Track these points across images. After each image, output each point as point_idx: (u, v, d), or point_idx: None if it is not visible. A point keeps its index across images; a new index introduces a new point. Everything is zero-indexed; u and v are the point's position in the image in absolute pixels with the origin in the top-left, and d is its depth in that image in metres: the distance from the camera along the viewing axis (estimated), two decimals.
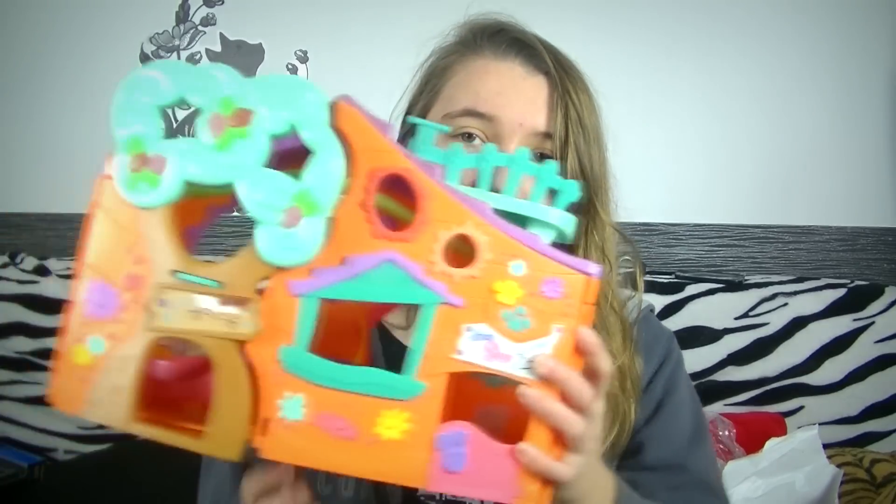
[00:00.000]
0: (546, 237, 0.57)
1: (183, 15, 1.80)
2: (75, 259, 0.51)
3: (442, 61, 0.75)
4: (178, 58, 1.80)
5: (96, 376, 0.49)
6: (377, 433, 0.48)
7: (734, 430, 1.45)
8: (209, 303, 0.48)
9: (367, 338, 0.61)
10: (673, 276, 1.70)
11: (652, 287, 1.60)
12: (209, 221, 0.58)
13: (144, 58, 1.80)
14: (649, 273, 1.68)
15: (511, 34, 0.72)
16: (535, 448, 0.49)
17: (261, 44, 1.80)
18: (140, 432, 0.50)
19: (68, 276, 1.59)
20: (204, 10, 1.80)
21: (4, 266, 1.61)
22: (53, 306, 1.57)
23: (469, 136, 0.69)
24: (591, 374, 0.50)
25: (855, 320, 1.61)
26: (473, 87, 0.70)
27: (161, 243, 0.48)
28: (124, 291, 0.49)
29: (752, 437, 1.43)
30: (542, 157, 0.69)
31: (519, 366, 0.48)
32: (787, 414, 1.58)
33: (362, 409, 0.49)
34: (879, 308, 1.62)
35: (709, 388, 1.54)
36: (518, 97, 0.69)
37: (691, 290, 1.63)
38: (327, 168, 0.46)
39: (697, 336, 1.59)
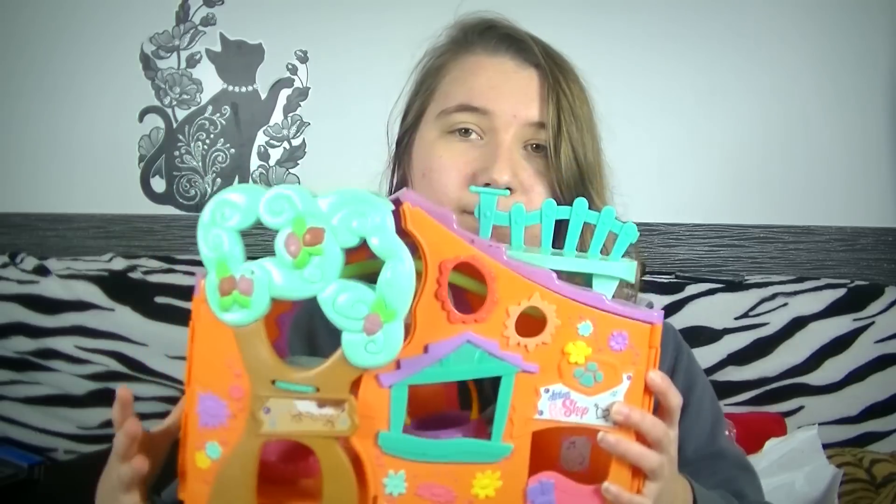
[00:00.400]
0: (609, 288, 0.59)
1: (183, 15, 1.80)
2: (185, 377, 0.56)
3: (435, 61, 0.77)
4: (179, 58, 1.80)
5: (216, 477, 0.54)
6: (474, 494, 0.55)
7: (734, 430, 1.45)
8: (308, 406, 0.53)
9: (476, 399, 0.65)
10: (673, 276, 1.70)
11: (652, 287, 1.60)
12: (298, 306, 0.64)
13: (144, 58, 1.80)
14: (649, 273, 1.68)
15: (501, 30, 0.74)
16: (617, 486, 0.55)
17: (261, 44, 1.80)
18: None
19: (68, 276, 1.59)
20: (204, 10, 1.80)
21: (4, 266, 1.61)
22: (53, 306, 1.57)
23: (465, 132, 0.71)
24: (662, 410, 0.57)
25: (855, 320, 1.61)
26: (467, 83, 0.71)
27: (258, 356, 0.53)
28: (231, 401, 0.54)
29: (752, 437, 1.42)
30: (536, 147, 0.71)
31: (596, 416, 0.55)
32: (787, 414, 1.58)
33: (458, 475, 0.55)
34: (879, 308, 1.63)
35: None
36: (511, 90, 0.70)
37: (691, 290, 1.63)
38: (398, 275, 0.50)
39: (697, 336, 1.59)
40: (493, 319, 0.53)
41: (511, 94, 0.70)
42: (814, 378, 1.60)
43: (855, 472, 1.32)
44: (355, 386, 0.53)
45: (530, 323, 0.55)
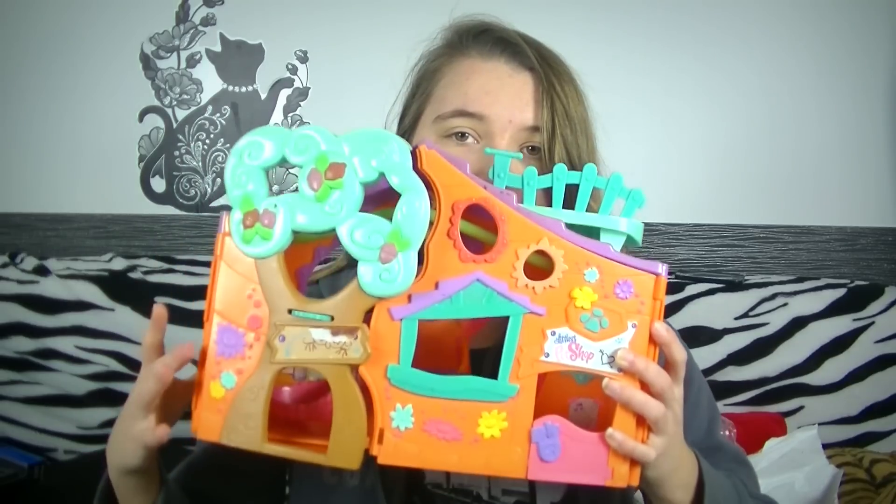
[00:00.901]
0: (617, 244, 0.61)
1: (183, 15, 1.80)
2: (205, 305, 0.58)
3: (431, 64, 0.77)
4: (179, 58, 1.80)
5: (230, 407, 0.55)
6: (479, 433, 0.56)
7: (735, 430, 1.45)
8: (322, 335, 0.54)
9: (468, 354, 0.67)
10: (673, 276, 1.70)
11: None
12: (318, 261, 0.67)
13: (144, 58, 1.80)
14: None
15: (495, 34, 0.74)
16: (621, 433, 0.56)
17: (261, 44, 1.80)
18: (272, 451, 0.55)
19: (68, 276, 1.59)
20: (204, 10, 1.80)
21: (4, 266, 1.61)
22: (53, 306, 1.57)
23: (462, 136, 0.71)
24: (666, 363, 0.58)
25: (855, 320, 1.61)
26: (462, 87, 0.72)
27: (277, 287, 0.55)
28: (248, 331, 0.56)
29: (752, 437, 1.42)
30: (532, 149, 0.72)
31: (601, 361, 0.56)
32: (787, 414, 1.58)
33: (464, 413, 0.56)
34: (879, 308, 1.62)
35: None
36: (505, 94, 0.71)
37: (691, 290, 1.63)
38: (413, 208, 0.53)
39: (697, 336, 1.59)
40: (502, 261, 0.55)
41: (506, 98, 0.71)
42: (814, 378, 1.60)
43: (855, 472, 1.32)
44: (368, 318, 0.55)
45: (539, 273, 0.56)
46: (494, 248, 0.55)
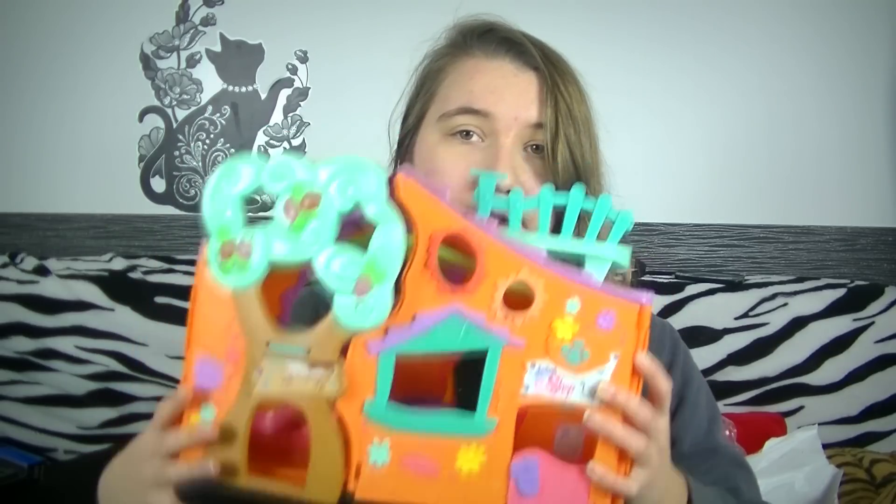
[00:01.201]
0: (602, 270, 0.60)
1: (183, 15, 1.80)
2: (185, 339, 0.57)
3: (435, 64, 0.77)
4: (179, 58, 1.80)
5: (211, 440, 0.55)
6: (458, 468, 0.54)
7: (735, 430, 1.45)
8: (299, 368, 0.54)
9: (453, 376, 0.65)
10: (673, 276, 1.70)
11: (652, 287, 1.60)
12: (303, 283, 0.65)
13: (144, 58, 1.80)
14: (649, 273, 1.68)
15: (500, 33, 0.74)
16: (602, 466, 0.54)
17: (261, 44, 1.80)
18: (253, 485, 0.55)
19: (68, 276, 1.59)
20: (204, 10, 1.80)
21: (4, 266, 1.61)
22: (53, 306, 1.57)
23: (467, 134, 0.72)
24: (651, 395, 0.57)
25: (855, 320, 1.61)
26: (467, 86, 0.72)
27: (254, 318, 0.54)
28: (227, 364, 0.55)
29: (752, 437, 1.42)
30: (536, 148, 0.72)
31: (582, 394, 0.55)
32: (787, 414, 1.58)
33: (442, 447, 0.54)
34: (879, 308, 1.63)
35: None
36: (510, 92, 0.71)
37: (691, 290, 1.63)
38: (389, 239, 0.52)
39: (697, 336, 1.59)
40: (481, 292, 0.54)
41: (511, 96, 0.71)
42: (814, 378, 1.60)
43: (855, 472, 1.32)
44: (345, 352, 0.54)
45: (519, 303, 0.55)
46: (473, 280, 0.54)
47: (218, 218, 0.55)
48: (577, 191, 0.61)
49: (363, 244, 0.54)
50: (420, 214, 0.54)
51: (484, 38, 0.75)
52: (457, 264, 0.57)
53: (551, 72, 0.71)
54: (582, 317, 0.54)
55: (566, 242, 0.59)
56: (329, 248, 0.53)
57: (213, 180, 0.55)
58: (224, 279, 0.55)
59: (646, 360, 0.55)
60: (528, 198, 0.61)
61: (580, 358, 0.54)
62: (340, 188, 0.53)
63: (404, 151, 0.78)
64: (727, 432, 1.43)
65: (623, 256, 0.60)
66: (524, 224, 0.65)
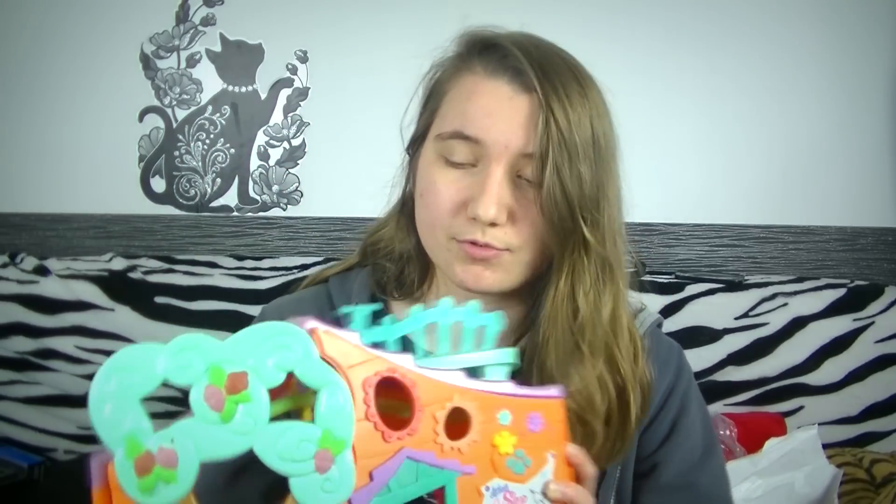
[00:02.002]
0: (504, 374, 0.60)
1: (183, 15, 1.80)
2: None
3: (439, 75, 0.76)
4: (178, 58, 1.80)
5: None
6: None
7: (735, 430, 1.45)
8: None
9: None
10: (673, 276, 1.70)
11: (652, 287, 1.60)
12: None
13: (144, 58, 1.80)
14: (649, 273, 1.68)
15: (501, 51, 0.70)
16: None
17: (261, 44, 1.80)
18: None
19: (68, 276, 1.59)
20: (204, 10, 1.80)
21: (4, 266, 1.61)
22: (53, 306, 1.57)
23: (458, 162, 0.70)
24: (580, 478, 0.61)
25: (855, 320, 1.61)
26: (462, 107, 0.70)
27: None
28: None
29: (752, 437, 1.42)
30: (520, 178, 0.69)
31: (534, 501, 0.57)
32: (787, 414, 1.58)
33: None
34: (879, 308, 1.63)
35: (709, 388, 1.54)
36: (503, 119, 0.68)
37: (691, 290, 1.63)
38: (337, 403, 0.48)
39: (697, 336, 1.59)
40: (423, 429, 0.53)
41: (503, 122, 0.68)
42: (814, 378, 1.60)
43: (855, 472, 1.32)
44: None
45: (453, 427, 0.55)
46: (413, 419, 0.52)
47: (117, 429, 0.44)
48: (445, 303, 0.59)
49: (297, 403, 0.50)
50: (348, 366, 0.50)
51: (485, 54, 0.71)
52: (389, 411, 0.54)
53: (548, 95, 0.67)
54: (515, 426, 0.56)
55: (467, 359, 0.59)
56: (268, 429, 0.46)
57: (96, 388, 0.46)
58: (150, 500, 0.44)
59: (575, 451, 0.60)
60: (402, 321, 0.58)
61: (524, 466, 0.56)
62: (263, 360, 0.46)
63: (413, 159, 0.77)
64: (727, 432, 1.43)
65: (507, 356, 0.60)
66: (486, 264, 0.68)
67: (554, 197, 0.66)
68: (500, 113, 0.68)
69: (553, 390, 0.59)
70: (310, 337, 0.49)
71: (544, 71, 0.68)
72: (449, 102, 0.72)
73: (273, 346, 0.47)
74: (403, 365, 0.53)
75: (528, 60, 0.68)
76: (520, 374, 0.73)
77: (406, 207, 0.79)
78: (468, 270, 0.70)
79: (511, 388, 0.57)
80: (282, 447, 0.46)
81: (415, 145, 0.77)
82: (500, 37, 0.72)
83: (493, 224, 0.68)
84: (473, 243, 0.68)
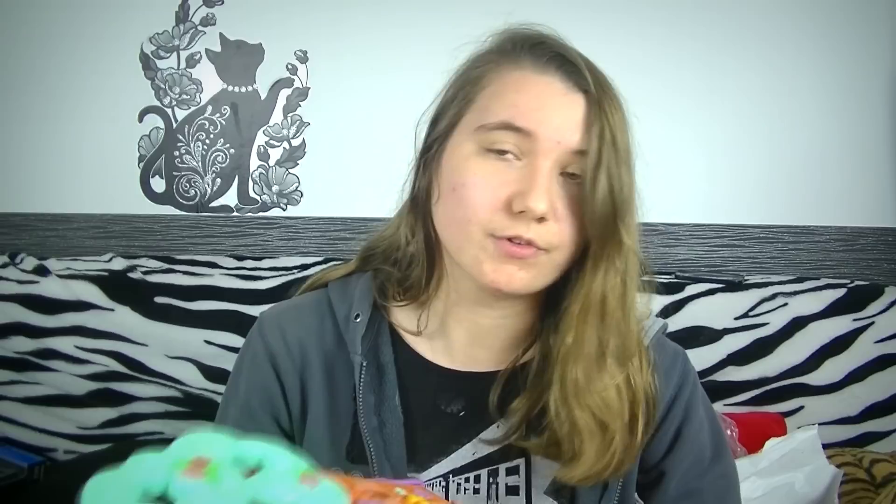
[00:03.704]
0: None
1: (183, 15, 1.80)
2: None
3: (476, 70, 0.73)
4: (178, 58, 1.80)
5: None
6: None
7: (736, 430, 1.45)
8: None
9: None
10: (673, 276, 1.70)
11: (652, 287, 1.60)
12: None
13: (144, 58, 1.80)
14: (649, 273, 1.68)
15: (552, 48, 0.70)
16: None
17: (261, 44, 1.80)
18: None
19: (68, 276, 1.59)
20: (204, 10, 1.80)
21: (4, 266, 1.61)
22: (53, 306, 1.57)
23: (502, 151, 0.68)
24: None
25: (855, 320, 1.61)
26: (510, 99, 0.68)
27: None
28: None
29: (752, 437, 1.42)
30: (571, 175, 0.68)
31: None
32: (787, 414, 1.58)
33: None
34: (879, 308, 1.63)
35: (709, 388, 1.52)
36: (557, 113, 0.67)
37: (691, 290, 1.63)
38: None
39: (697, 336, 1.59)
40: None
41: (557, 117, 0.67)
42: (814, 378, 1.60)
43: (855, 472, 1.32)
44: None
45: None
46: None
47: None
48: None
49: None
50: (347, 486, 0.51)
51: (535, 50, 0.70)
52: None
53: (601, 97, 0.67)
54: (414, 494, 0.56)
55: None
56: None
57: None
58: None
59: None
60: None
61: None
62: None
63: (431, 157, 0.74)
64: (729, 432, 1.43)
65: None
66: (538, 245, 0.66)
67: (605, 197, 0.66)
68: (553, 107, 0.67)
69: (415, 480, 0.61)
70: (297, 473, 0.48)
71: (594, 74, 0.69)
72: (491, 96, 0.69)
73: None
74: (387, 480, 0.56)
75: (583, 61, 0.69)
76: (523, 393, 0.73)
77: (417, 206, 0.76)
78: (501, 270, 0.67)
79: (384, 480, 0.58)
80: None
81: (437, 141, 0.73)
82: (548, 36, 0.72)
83: (540, 220, 0.66)
84: (512, 240, 0.66)
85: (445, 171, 0.71)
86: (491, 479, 0.74)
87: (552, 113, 0.67)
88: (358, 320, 0.75)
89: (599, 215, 0.67)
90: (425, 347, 0.77)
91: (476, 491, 0.74)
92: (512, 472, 0.75)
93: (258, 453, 0.47)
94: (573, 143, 0.67)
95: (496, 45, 0.73)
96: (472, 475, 0.74)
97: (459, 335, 0.76)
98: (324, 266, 1.64)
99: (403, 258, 0.77)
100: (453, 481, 0.74)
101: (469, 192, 0.68)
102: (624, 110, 0.70)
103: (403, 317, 0.78)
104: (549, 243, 0.67)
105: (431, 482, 0.73)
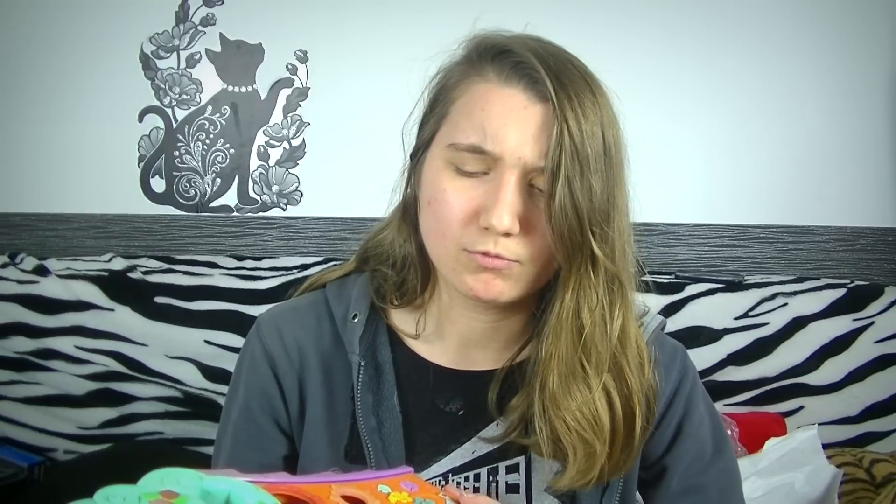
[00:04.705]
0: None
1: (183, 15, 1.80)
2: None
3: (448, 81, 0.73)
4: (178, 58, 1.80)
5: None
6: None
7: (737, 430, 1.45)
8: None
9: None
10: (673, 276, 1.70)
11: (652, 287, 1.60)
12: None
13: (144, 58, 1.80)
14: (649, 273, 1.68)
15: (514, 57, 0.68)
16: None
17: (261, 44, 1.80)
18: None
19: (68, 276, 1.59)
20: (204, 10, 1.80)
21: (4, 266, 1.61)
22: (53, 306, 1.57)
23: (471, 173, 0.68)
24: None
25: (855, 320, 1.61)
26: (478, 118, 0.68)
27: None
28: None
29: (752, 437, 1.42)
30: (541, 189, 0.67)
31: None
32: (787, 414, 1.58)
33: None
34: (879, 308, 1.63)
35: (709, 388, 1.51)
36: (517, 129, 0.66)
37: (691, 290, 1.63)
38: None
39: (697, 336, 1.59)
40: None
41: (517, 133, 0.66)
42: (814, 378, 1.60)
43: (855, 472, 1.32)
44: None
45: None
46: None
47: None
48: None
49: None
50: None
51: (498, 60, 0.69)
52: None
53: (563, 105, 0.65)
54: (398, 491, 0.58)
55: None
56: None
57: None
58: None
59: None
60: None
61: None
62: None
63: (416, 164, 0.75)
64: (729, 431, 1.43)
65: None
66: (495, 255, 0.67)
67: (564, 210, 0.65)
68: (514, 123, 0.67)
69: (404, 468, 0.62)
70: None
71: (559, 80, 0.67)
72: (461, 111, 0.70)
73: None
74: (278, 481, 0.54)
75: (544, 68, 0.67)
76: (521, 390, 0.73)
77: (408, 212, 0.76)
78: (479, 279, 0.68)
79: (369, 474, 0.59)
80: None
81: (419, 151, 0.74)
82: (512, 42, 0.70)
83: (506, 234, 0.66)
84: (485, 254, 0.67)
85: (423, 184, 0.72)
86: (491, 478, 0.74)
87: (513, 129, 0.66)
88: (356, 320, 0.75)
89: (560, 229, 0.65)
90: (423, 347, 0.77)
91: (476, 489, 0.74)
92: (512, 469, 0.75)
93: (225, 488, 0.48)
94: (533, 157, 0.66)
95: (465, 54, 0.73)
96: (471, 474, 0.74)
97: (455, 337, 0.76)
98: (324, 266, 1.64)
99: (400, 262, 0.77)
100: (453, 480, 0.74)
101: (441, 208, 0.69)
102: (601, 111, 0.68)
103: (401, 319, 0.78)
104: (519, 255, 0.67)
105: (431, 482, 0.73)
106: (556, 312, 0.69)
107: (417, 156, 0.74)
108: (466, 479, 0.74)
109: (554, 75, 0.67)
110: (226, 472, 0.52)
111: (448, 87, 0.72)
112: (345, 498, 0.55)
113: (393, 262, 0.78)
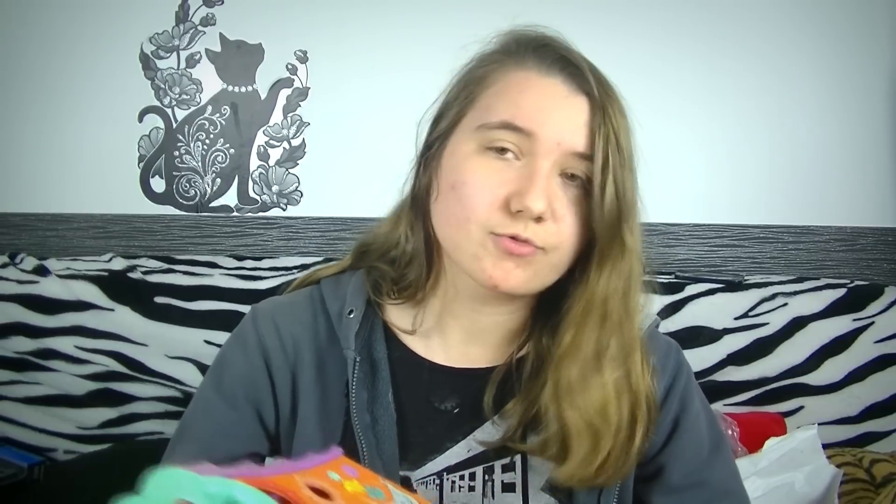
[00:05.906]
0: None
1: (183, 15, 1.80)
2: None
3: (480, 69, 0.73)
4: (178, 58, 1.80)
5: None
6: None
7: (737, 430, 1.45)
8: None
9: None
10: (673, 276, 1.70)
11: (657, 288, 1.60)
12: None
13: (144, 58, 1.80)
14: (649, 273, 1.68)
15: (557, 51, 0.70)
16: None
17: (261, 44, 1.80)
18: None
19: (68, 276, 1.59)
20: (204, 10, 1.80)
21: (4, 266, 1.61)
22: (53, 306, 1.57)
23: (502, 150, 0.68)
24: None
25: (855, 320, 1.61)
26: (514, 99, 0.68)
27: None
28: None
29: (752, 437, 1.42)
30: (572, 177, 0.69)
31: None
32: (787, 414, 1.58)
33: None
34: (879, 308, 1.63)
35: (709, 388, 1.54)
36: (559, 115, 0.67)
37: (691, 290, 1.63)
38: None
39: (697, 336, 1.59)
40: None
41: (559, 119, 0.67)
42: (814, 378, 1.60)
43: (855, 472, 1.32)
44: None
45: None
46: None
47: None
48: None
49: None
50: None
51: (540, 52, 0.70)
52: None
53: (604, 100, 0.68)
54: (345, 477, 0.56)
55: None
56: None
57: None
58: None
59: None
60: None
61: (382, 493, 0.56)
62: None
63: (432, 155, 0.74)
64: (730, 431, 1.43)
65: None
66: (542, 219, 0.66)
67: (611, 199, 0.67)
68: (555, 109, 0.68)
69: (334, 450, 0.59)
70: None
71: (599, 77, 0.69)
72: (494, 95, 0.70)
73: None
74: (249, 474, 0.52)
75: (586, 63, 0.69)
76: (519, 392, 0.73)
77: (416, 205, 0.76)
78: (499, 266, 0.67)
79: (310, 460, 0.57)
80: None
81: (438, 139, 0.74)
82: (553, 38, 0.72)
83: (538, 219, 0.66)
84: (513, 238, 0.66)
85: (445, 169, 0.71)
86: (486, 477, 0.74)
87: (554, 114, 0.67)
88: (352, 316, 0.75)
89: (607, 218, 0.68)
90: (419, 345, 0.77)
91: (472, 488, 0.74)
92: (508, 468, 0.74)
93: (225, 492, 0.47)
94: (574, 146, 0.67)
95: (501, 46, 0.74)
96: (466, 472, 0.74)
97: (456, 332, 0.76)
98: (331, 263, 1.63)
99: (401, 256, 0.77)
100: (448, 479, 0.74)
101: (468, 191, 0.68)
102: (627, 115, 0.71)
103: (397, 315, 0.78)
104: (546, 243, 0.67)
105: (426, 480, 0.73)
106: (585, 299, 0.70)
107: (435, 145, 0.74)
108: (461, 477, 0.74)
109: (593, 73, 0.69)
110: (204, 467, 0.50)
111: (479, 76, 0.73)
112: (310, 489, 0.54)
113: (392, 257, 0.78)
